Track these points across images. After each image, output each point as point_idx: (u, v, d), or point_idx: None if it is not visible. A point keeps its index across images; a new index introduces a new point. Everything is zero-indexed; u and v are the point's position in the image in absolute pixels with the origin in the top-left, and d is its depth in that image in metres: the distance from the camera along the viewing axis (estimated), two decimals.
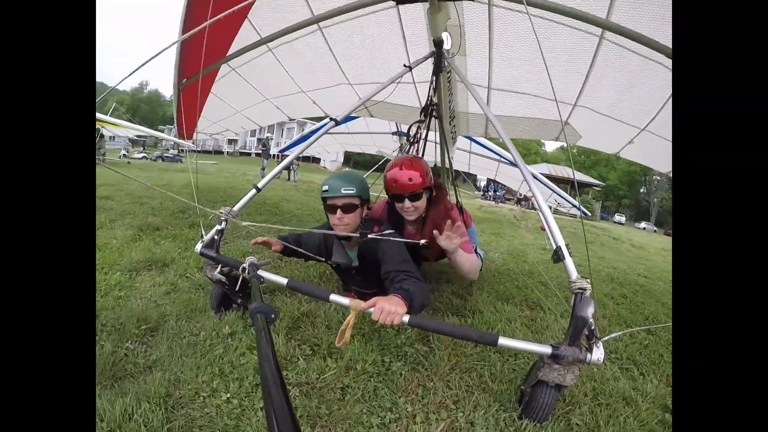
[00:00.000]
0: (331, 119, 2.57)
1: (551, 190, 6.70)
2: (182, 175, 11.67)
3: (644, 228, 40.66)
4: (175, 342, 1.81)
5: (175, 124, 4.52)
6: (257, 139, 42.77)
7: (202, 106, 4.34)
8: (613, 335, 1.61)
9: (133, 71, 1.75)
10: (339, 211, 2.07)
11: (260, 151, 18.04)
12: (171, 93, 3.84)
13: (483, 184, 30.40)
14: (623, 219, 41.90)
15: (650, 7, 1.83)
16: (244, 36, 3.06)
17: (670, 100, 2.41)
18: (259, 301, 1.28)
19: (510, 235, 7.73)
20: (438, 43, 2.45)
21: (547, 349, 1.45)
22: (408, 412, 1.54)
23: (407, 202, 2.33)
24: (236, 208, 2.20)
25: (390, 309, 1.51)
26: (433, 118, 3.06)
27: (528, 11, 1.81)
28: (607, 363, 2.15)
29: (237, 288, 2.10)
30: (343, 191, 2.06)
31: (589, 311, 1.42)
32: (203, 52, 2.78)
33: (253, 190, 2.29)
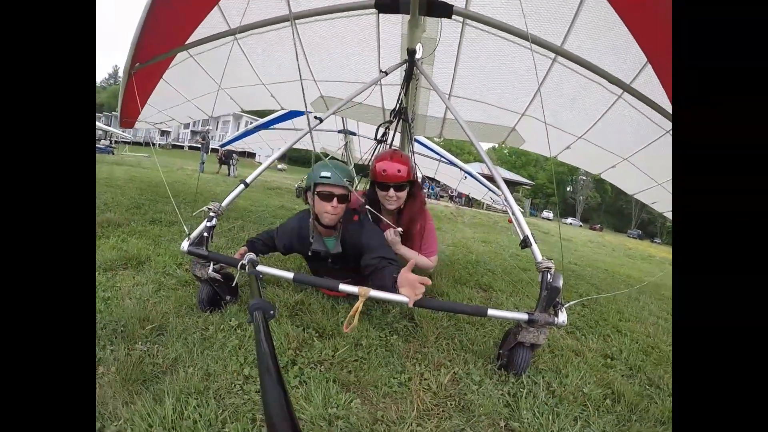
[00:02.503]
0: (316, 117, 2.68)
1: (486, 187, 7.38)
2: (119, 168, 10.44)
3: (570, 223, 44.66)
4: (189, 339, 1.80)
5: (118, 111, 4.18)
6: (191, 131, 39.15)
7: (150, 93, 4.07)
8: (572, 302, 2.03)
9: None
10: (336, 199, 2.11)
11: (199, 145, 16.95)
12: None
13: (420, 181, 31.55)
14: (551, 215, 44.19)
15: (599, 40, 2.28)
16: (210, 23, 2.97)
17: (606, 113, 2.95)
18: (257, 297, 1.30)
19: (451, 230, 8.41)
20: (411, 52, 2.68)
21: (524, 316, 1.80)
22: (416, 371, 1.81)
23: (392, 192, 2.57)
24: (224, 203, 2.16)
25: (416, 285, 1.71)
26: (400, 120, 3.30)
27: (497, 33, 2.14)
28: (555, 329, 2.63)
29: (232, 286, 2.11)
30: (345, 180, 2.11)
31: (560, 283, 1.79)
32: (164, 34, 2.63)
33: (241, 185, 2.26)
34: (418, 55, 2.78)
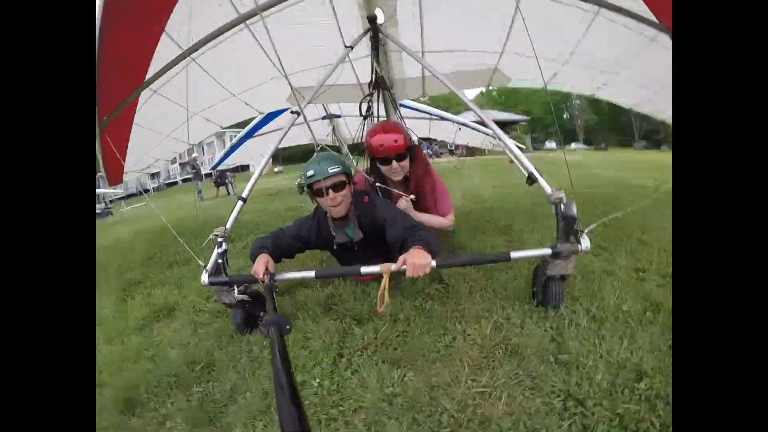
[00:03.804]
0: (293, 112, 2.64)
1: (483, 133, 7.26)
2: (122, 227, 10.27)
3: (575, 148, 43.12)
4: (238, 365, 1.84)
5: (101, 171, 4.17)
6: (180, 164, 39.05)
7: (127, 143, 4.05)
8: (593, 226, 1.94)
9: None
10: (330, 191, 2.07)
11: (189, 176, 16.90)
12: None
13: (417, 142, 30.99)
14: (554, 145, 42.77)
15: None
16: (162, 53, 2.91)
17: (587, 33, 2.83)
18: (272, 312, 1.33)
19: (458, 182, 8.34)
20: (372, 19, 2.58)
21: (547, 250, 1.81)
22: (458, 329, 1.86)
23: (395, 164, 2.52)
24: (228, 225, 2.17)
25: (420, 261, 1.74)
26: (381, 90, 3.22)
27: None
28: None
29: (262, 304, 2.12)
30: (330, 171, 2.06)
31: (574, 210, 1.78)
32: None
33: (240, 203, 2.29)
34: (380, 21, 2.68)
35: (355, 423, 1.39)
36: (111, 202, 23.84)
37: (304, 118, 2.73)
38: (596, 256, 2.66)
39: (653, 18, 2.39)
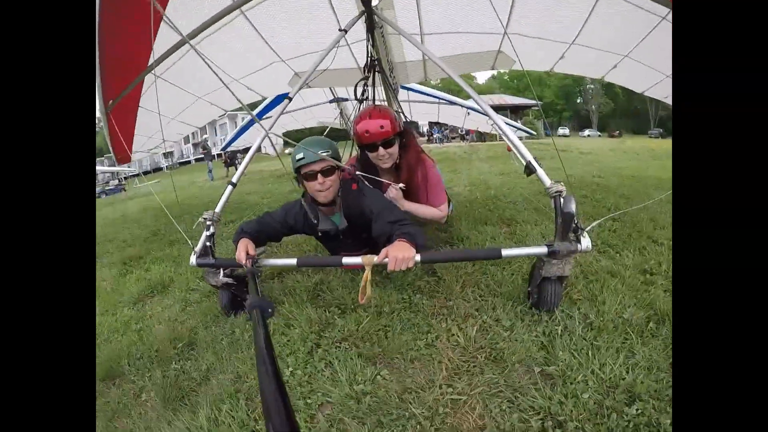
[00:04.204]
0: (286, 97, 2.59)
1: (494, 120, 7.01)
2: (132, 203, 10.81)
3: (588, 135, 42.52)
4: (217, 347, 1.86)
5: (111, 151, 4.25)
6: (192, 144, 39.92)
7: (134, 124, 4.09)
8: (594, 224, 1.84)
9: None
10: (320, 175, 2.02)
11: (202, 156, 17.25)
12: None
13: (426, 129, 30.58)
14: (567, 131, 42.32)
15: None
16: (164, 40, 2.88)
17: (594, 11, 2.66)
18: (254, 294, 1.31)
19: (466, 169, 8.18)
20: (366, 1, 2.47)
21: (543, 249, 1.68)
22: (443, 328, 1.78)
23: (382, 150, 2.40)
24: (218, 209, 2.19)
25: (402, 255, 1.67)
26: (377, 74, 3.11)
27: None
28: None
29: (246, 287, 2.12)
30: (321, 154, 2.00)
31: (572, 206, 1.64)
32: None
33: (230, 187, 2.29)
34: (374, 2, 2.59)
35: (318, 418, 1.35)
36: (125, 179, 24.60)
37: (288, 100, 2.66)
38: (601, 253, 2.50)
39: None
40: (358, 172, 2.25)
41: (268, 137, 2.80)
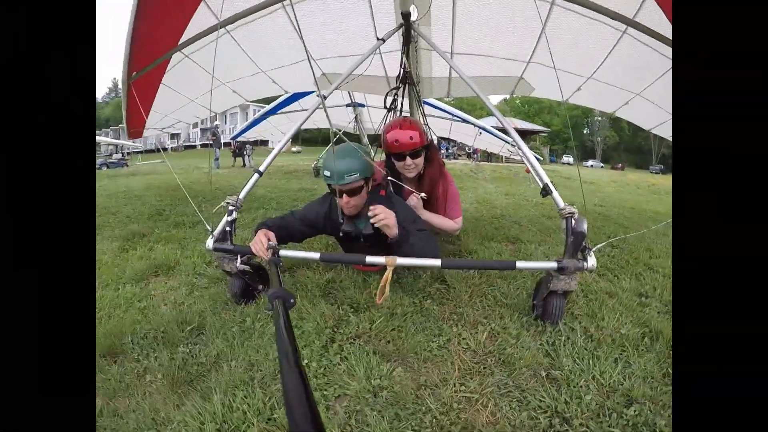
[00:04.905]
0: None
1: (502, 140, 7.20)
2: (136, 179, 10.67)
3: (591, 165, 43.43)
4: (228, 333, 1.85)
5: (123, 123, 4.28)
6: (201, 130, 39.59)
7: (153, 100, 4.14)
8: (600, 245, 1.97)
9: None
10: (345, 195, 2.05)
11: (210, 141, 17.26)
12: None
13: (435, 143, 30.96)
14: (571, 160, 42.30)
15: None
16: (199, 20, 2.95)
17: (613, 50, 2.84)
18: (277, 285, 1.29)
19: (472, 187, 8.34)
20: (406, 15, 2.58)
21: (553, 264, 1.79)
22: (453, 332, 1.86)
23: (409, 160, 2.53)
24: (242, 195, 2.19)
25: (387, 214, 1.85)
26: (406, 85, 3.23)
27: None
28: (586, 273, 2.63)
29: (262, 275, 2.15)
30: (347, 178, 1.99)
31: (584, 227, 1.76)
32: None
33: (256, 175, 2.30)
34: (413, 17, 2.69)
35: (336, 409, 1.40)
36: (128, 154, 24.42)
37: (323, 105, 2.76)
38: (601, 276, 2.64)
39: None
40: (390, 178, 2.34)
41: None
